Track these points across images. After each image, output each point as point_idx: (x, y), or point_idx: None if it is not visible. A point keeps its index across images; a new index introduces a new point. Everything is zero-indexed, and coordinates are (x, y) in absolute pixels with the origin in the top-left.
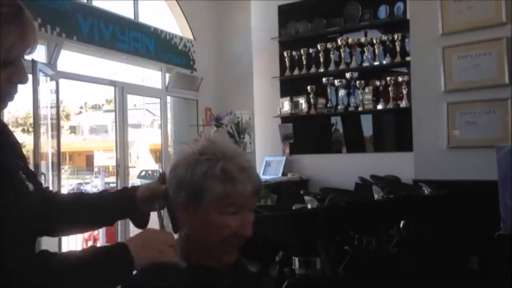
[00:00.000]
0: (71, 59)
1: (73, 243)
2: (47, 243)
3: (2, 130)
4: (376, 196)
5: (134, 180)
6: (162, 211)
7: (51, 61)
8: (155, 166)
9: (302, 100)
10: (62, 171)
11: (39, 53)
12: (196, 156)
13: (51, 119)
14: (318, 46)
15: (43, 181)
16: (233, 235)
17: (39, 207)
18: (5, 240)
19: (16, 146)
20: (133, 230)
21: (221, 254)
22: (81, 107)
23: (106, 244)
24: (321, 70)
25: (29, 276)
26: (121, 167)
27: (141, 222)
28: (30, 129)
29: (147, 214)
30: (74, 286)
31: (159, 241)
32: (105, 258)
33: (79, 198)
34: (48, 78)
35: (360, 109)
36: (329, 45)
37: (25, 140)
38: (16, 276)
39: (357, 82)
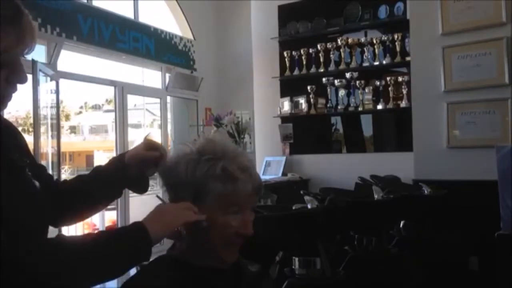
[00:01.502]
0: (71, 59)
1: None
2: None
3: (9, 128)
4: (376, 196)
5: None
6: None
7: (51, 61)
8: None
9: (302, 100)
10: (62, 171)
11: (39, 53)
12: (196, 156)
13: (51, 119)
14: (318, 46)
15: None
16: (235, 234)
17: (47, 205)
18: (15, 236)
19: (22, 143)
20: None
21: (223, 253)
22: (81, 107)
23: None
24: (321, 70)
25: (44, 264)
26: None
27: (140, 187)
28: (30, 129)
29: (144, 178)
30: (90, 268)
31: (172, 209)
32: (119, 234)
33: (78, 181)
34: (48, 78)
35: (360, 109)
36: (329, 45)
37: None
38: (30, 266)
39: (357, 82)
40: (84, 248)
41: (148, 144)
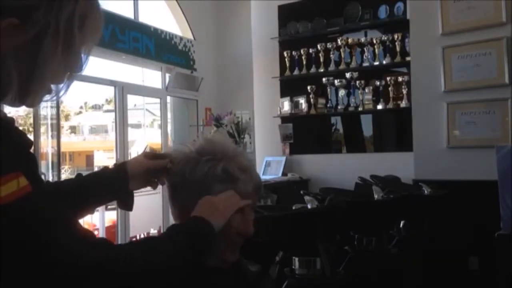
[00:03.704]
0: None
1: None
2: None
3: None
4: (376, 196)
5: None
6: None
7: None
8: None
9: (302, 100)
10: (62, 171)
11: None
12: (195, 156)
13: (51, 119)
14: (318, 46)
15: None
16: (236, 234)
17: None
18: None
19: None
20: (133, 225)
21: (225, 253)
22: (81, 107)
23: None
24: (321, 70)
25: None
26: None
27: (129, 203)
28: (30, 129)
29: (132, 194)
30: (162, 264)
31: (224, 201)
32: (188, 232)
33: (55, 189)
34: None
35: (360, 109)
36: (329, 45)
37: None
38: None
39: (357, 82)
40: (152, 244)
41: (150, 155)
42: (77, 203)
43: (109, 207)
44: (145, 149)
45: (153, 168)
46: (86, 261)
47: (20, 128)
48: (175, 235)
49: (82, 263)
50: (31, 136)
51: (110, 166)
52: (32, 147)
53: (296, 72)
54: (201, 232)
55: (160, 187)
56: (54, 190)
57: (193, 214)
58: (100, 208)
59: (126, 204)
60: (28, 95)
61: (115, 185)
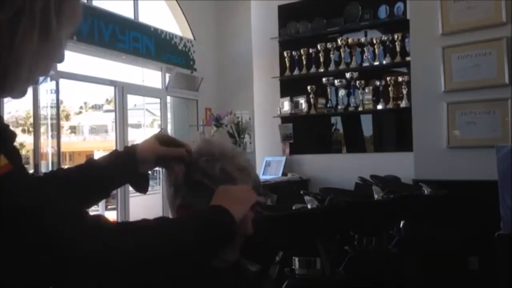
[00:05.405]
0: (71, 59)
1: None
2: None
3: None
4: (376, 196)
5: None
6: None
7: None
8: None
9: (302, 100)
10: None
11: None
12: (194, 156)
13: (51, 119)
14: (318, 46)
15: None
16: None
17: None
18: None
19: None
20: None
21: (225, 253)
22: (81, 107)
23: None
24: (321, 70)
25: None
26: None
27: (143, 186)
28: (30, 129)
29: (147, 176)
30: (176, 253)
31: (242, 191)
32: (209, 220)
33: (54, 179)
34: (48, 78)
35: (360, 109)
36: (329, 45)
37: (25, 140)
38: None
39: (357, 82)
40: (169, 231)
41: (164, 139)
42: (86, 189)
43: (109, 207)
44: (160, 131)
45: (166, 156)
46: (80, 247)
47: (20, 128)
48: (193, 223)
49: (75, 249)
50: (31, 136)
51: (120, 150)
52: (16, 140)
53: (296, 72)
54: (223, 221)
55: (160, 187)
56: (61, 177)
57: (212, 203)
58: (100, 208)
59: (139, 187)
60: (5, 84)
61: (123, 171)
